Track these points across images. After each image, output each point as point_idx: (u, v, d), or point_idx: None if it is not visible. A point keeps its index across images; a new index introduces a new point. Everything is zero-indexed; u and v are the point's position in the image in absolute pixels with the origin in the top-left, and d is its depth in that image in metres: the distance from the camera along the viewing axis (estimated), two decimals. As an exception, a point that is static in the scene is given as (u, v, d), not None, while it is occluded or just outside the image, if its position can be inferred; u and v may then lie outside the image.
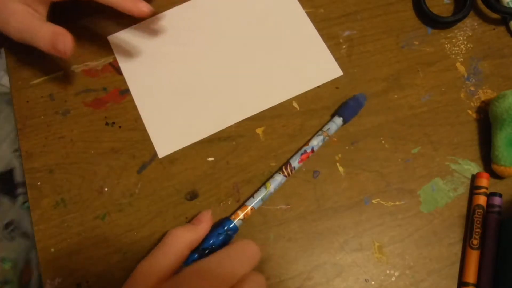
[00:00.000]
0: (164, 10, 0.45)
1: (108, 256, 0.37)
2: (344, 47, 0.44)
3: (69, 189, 0.38)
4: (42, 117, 0.41)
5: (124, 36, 0.44)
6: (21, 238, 0.38)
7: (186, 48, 0.44)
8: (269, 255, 0.37)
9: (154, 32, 0.44)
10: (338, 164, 0.40)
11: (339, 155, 0.40)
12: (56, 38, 0.36)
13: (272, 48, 0.44)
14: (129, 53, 0.43)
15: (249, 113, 0.41)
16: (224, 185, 0.39)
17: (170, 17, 0.45)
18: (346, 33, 0.45)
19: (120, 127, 0.41)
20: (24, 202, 0.40)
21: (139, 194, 0.39)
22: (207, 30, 0.44)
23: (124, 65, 0.43)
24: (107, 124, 0.41)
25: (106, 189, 0.39)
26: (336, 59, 0.43)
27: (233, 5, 0.45)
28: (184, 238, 0.33)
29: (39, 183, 0.39)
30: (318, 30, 0.44)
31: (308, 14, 0.45)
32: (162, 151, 0.40)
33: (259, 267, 0.37)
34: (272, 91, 0.42)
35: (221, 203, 0.39)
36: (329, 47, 0.44)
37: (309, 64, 0.43)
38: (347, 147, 0.41)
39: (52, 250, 0.37)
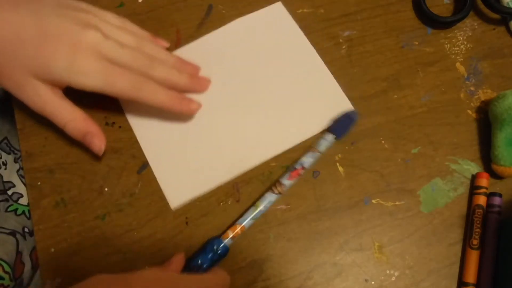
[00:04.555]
0: (170, 51, 0.42)
1: (108, 256, 0.37)
2: (344, 47, 0.44)
3: (69, 189, 0.38)
4: (42, 117, 0.41)
5: None
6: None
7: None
8: (269, 255, 0.37)
9: None
10: (338, 164, 0.40)
11: (339, 155, 0.40)
12: (90, 139, 0.37)
13: (283, 89, 0.42)
14: (136, 106, 0.40)
15: (258, 161, 0.40)
16: (224, 185, 0.39)
17: None
18: (346, 33, 0.45)
19: (120, 127, 0.41)
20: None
21: (139, 194, 0.39)
22: (215, 70, 0.42)
23: (132, 118, 0.41)
24: (107, 124, 0.41)
25: (106, 189, 0.39)
26: (336, 59, 0.43)
27: (242, 43, 0.43)
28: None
29: (39, 183, 0.38)
30: (318, 30, 0.44)
31: (308, 14, 0.45)
32: (175, 201, 0.38)
33: (259, 267, 0.37)
34: (283, 136, 0.40)
35: (221, 203, 0.39)
36: (329, 47, 0.44)
37: (322, 104, 0.41)
38: (347, 147, 0.41)
39: (52, 250, 0.37)
